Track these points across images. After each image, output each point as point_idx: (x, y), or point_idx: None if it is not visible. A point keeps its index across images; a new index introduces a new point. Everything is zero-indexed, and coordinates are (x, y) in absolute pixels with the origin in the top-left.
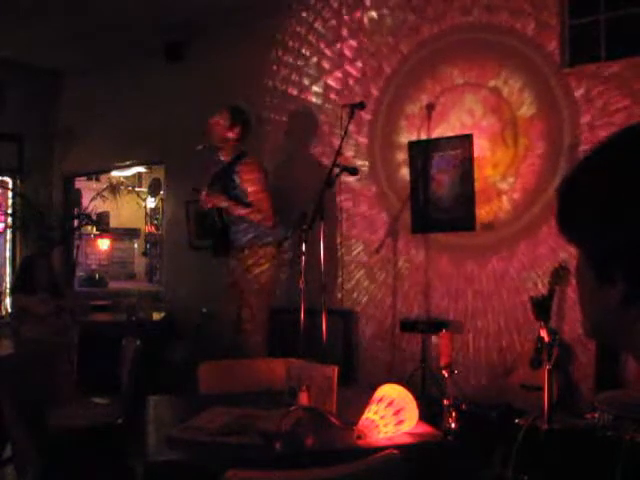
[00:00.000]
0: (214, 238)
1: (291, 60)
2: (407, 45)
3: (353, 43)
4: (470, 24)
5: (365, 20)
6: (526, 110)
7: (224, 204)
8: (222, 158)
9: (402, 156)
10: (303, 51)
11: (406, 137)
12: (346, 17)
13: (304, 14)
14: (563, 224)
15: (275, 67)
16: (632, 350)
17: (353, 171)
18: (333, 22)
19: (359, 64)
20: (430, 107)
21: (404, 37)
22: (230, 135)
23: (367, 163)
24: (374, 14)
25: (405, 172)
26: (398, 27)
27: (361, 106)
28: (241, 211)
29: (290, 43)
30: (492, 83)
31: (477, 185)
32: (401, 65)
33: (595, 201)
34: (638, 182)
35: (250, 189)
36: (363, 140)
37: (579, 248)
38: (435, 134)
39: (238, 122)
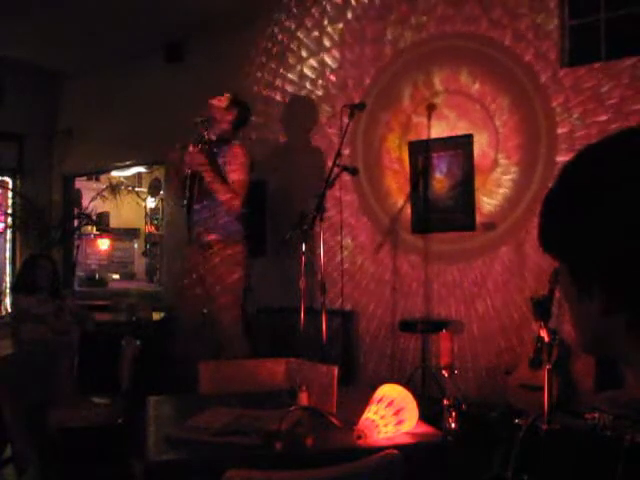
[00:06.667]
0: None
1: (290, 60)
2: None
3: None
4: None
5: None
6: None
7: (207, 170)
8: (210, 135)
9: (402, 156)
10: (301, 50)
11: (408, 137)
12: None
13: (296, 11)
14: (545, 240)
15: (274, 66)
16: (623, 360)
17: (353, 171)
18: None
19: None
20: (431, 107)
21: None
22: (225, 118)
23: (366, 163)
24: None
25: (405, 172)
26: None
27: (361, 107)
28: (222, 195)
29: (288, 43)
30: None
31: (477, 184)
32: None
33: (572, 216)
34: (608, 195)
35: (233, 173)
36: (361, 140)
37: (561, 263)
38: (434, 134)
39: (235, 108)
